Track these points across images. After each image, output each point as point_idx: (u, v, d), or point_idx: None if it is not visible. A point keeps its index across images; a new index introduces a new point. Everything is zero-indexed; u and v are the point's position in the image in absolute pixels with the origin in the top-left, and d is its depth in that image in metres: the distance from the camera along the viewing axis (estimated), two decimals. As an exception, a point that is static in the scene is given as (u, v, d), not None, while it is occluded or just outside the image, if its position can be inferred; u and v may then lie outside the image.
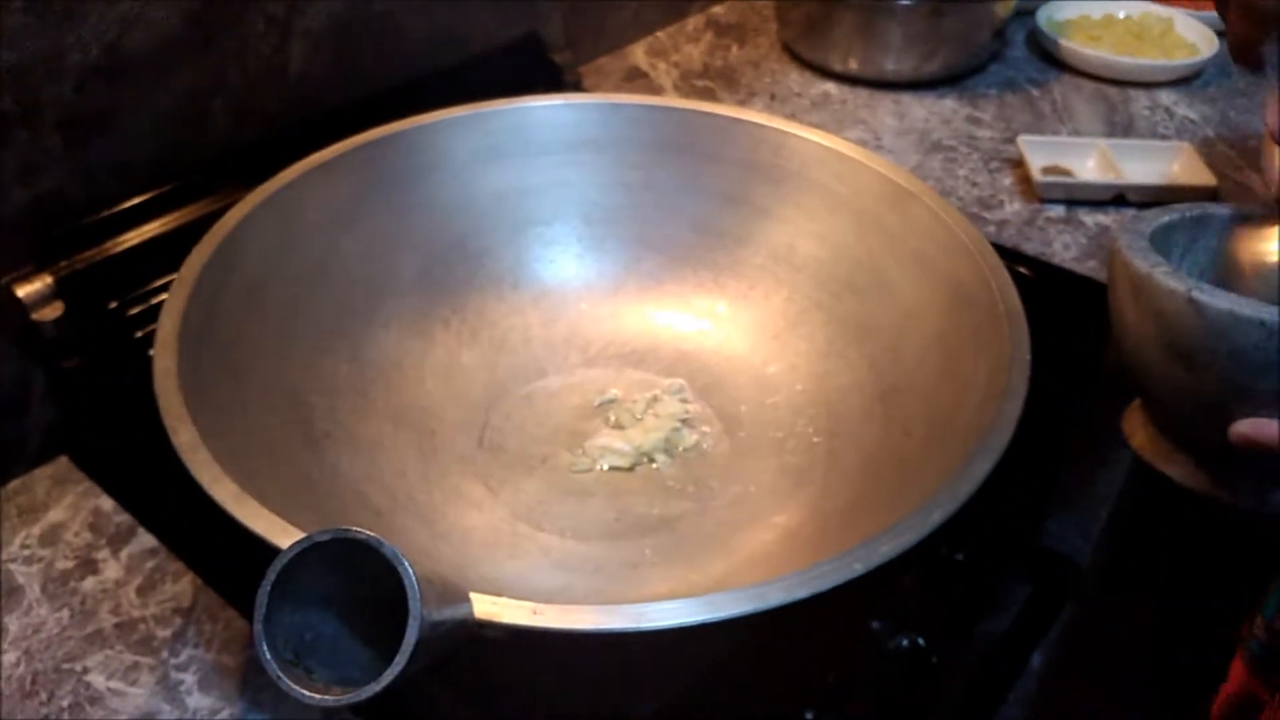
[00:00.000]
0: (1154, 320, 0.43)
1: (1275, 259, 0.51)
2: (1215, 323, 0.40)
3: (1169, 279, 0.42)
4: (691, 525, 0.51)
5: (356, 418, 0.52)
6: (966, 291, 0.51)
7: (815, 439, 0.53)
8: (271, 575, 0.27)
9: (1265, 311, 0.39)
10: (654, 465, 0.54)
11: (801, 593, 0.34)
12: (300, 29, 0.66)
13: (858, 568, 0.35)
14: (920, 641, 0.56)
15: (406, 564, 0.27)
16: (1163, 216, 0.50)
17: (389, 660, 0.28)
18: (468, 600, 0.32)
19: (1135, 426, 0.50)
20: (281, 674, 0.27)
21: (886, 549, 0.36)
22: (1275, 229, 0.51)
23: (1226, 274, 0.52)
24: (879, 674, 0.56)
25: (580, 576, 0.48)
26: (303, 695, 0.26)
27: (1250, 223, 0.52)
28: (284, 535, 0.36)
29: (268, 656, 0.27)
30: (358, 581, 0.30)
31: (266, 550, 0.35)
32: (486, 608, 0.33)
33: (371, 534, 0.27)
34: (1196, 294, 0.40)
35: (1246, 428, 0.41)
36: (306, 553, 0.28)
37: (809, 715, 0.50)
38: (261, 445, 0.45)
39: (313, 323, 0.53)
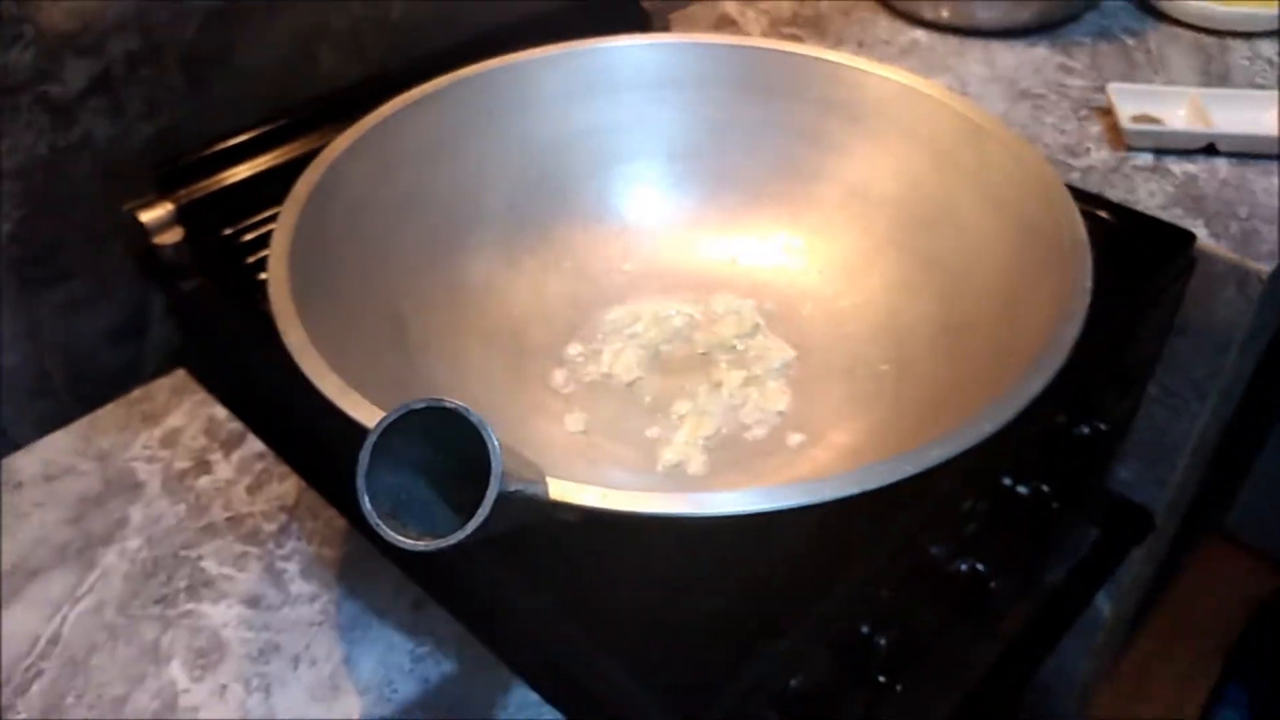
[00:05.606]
0: None
1: None
2: None
3: None
4: (759, 443, 0.53)
5: (449, 334, 0.56)
6: (1035, 227, 0.51)
7: (883, 368, 0.55)
8: (373, 436, 0.31)
9: None
10: (724, 388, 0.56)
11: (852, 489, 0.36)
12: (402, -25, 0.70)
13: (908, 469, 0.37)
14: (980, 567, 0.57)
15: (489, 429, 0.30)
16: None
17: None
18: (543, 480, 0.35)
19: None
20: (380, 522, 0.30)
21: (936, 453, 0.38)
22: None
23: None
24: (935, 595, 0.57)
25: (650, 482, 0.51)
26: (398, 539, 0.30)
27: None
28: (382, 423, 0.39)
29: (368, 507, 0.30)
30: (447, 454, 0.33)
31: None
32: (560, 489, 0.36)
33: (460, 403, 0.30)
34: None
35: None
36: (404, 420, 0.31)
37: (864, 628, 0.52)
38: (362, 353, 0.49)
39: (409, 245, 0.57)
